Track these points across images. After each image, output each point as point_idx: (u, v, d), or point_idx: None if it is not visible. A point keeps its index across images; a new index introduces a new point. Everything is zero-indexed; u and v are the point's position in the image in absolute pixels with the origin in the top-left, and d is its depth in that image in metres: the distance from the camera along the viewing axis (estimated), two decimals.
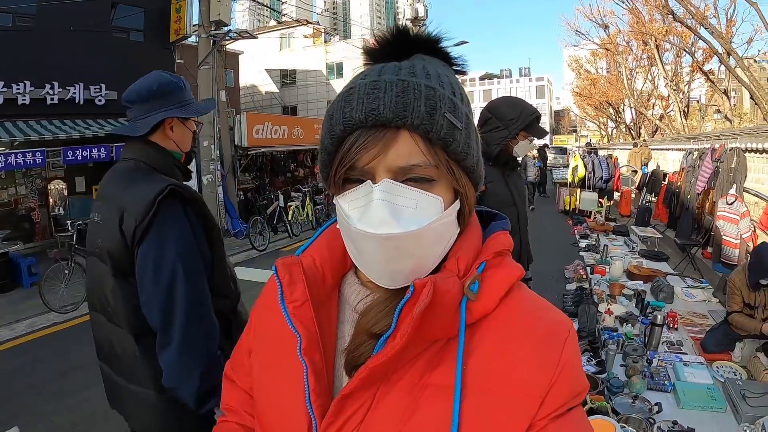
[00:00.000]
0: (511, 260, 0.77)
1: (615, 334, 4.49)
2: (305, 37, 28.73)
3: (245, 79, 25.12)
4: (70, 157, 10.16)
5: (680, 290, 5.79)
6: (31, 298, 7.90)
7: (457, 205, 0.73)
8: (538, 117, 3.20)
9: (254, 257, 10.63)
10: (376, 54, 0.78)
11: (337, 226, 0.77)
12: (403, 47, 0.77)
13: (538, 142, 3.29)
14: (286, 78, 29.51)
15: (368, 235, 0.66)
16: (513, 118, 3.11)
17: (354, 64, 29.57)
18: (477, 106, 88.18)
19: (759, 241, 5.70)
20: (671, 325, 4.74)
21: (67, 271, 7.30)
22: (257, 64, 25.83)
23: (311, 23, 24.11)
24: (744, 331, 3.98)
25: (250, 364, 0.89)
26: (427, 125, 0.65)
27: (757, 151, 6.63)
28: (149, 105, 1.91)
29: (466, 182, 0.73)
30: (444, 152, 0.68)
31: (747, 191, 6.61)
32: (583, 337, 4.51)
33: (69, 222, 11.75)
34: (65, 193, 13.09)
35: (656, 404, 3.38)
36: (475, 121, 2.27)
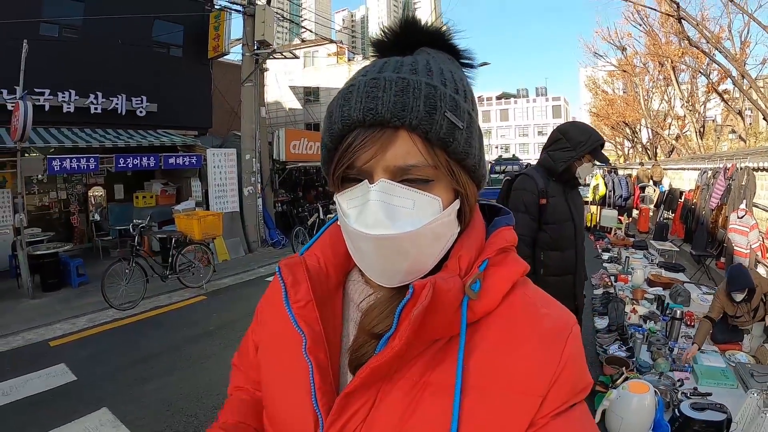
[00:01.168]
0: (515, 256, 0.78)
1: (640, 328, 5.26)
2: (329, 55, 29.60)
3: (270, 95, 25.81)
4: (122, 164, 10.89)
5: (696, 296, 6.55)
6: (81, 297, 8.60)
7: (456, 204, 0.73)
8: (602, 144, 3.48)
9: None
10: (383, 47, 0.80)
11: (339, 224, 0.78)
12: (410, 40, 0.78)
13: None
14: (310, 95, 30.10)
15: (363, 235, 0.67)
16: (582, 141, 3.39)
17: None
18: (494, 125, 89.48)
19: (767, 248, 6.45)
20: (688, 323, 5.51)
21: (128, 271, 7.87)
22: (282, 81, 26.54)
23: (335, 42, 24.90)
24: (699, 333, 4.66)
25: (258, 360, 0.90)
26: (426, 125, 0.65)
27: (766, 169, 7.38)
28: None
29: (466, 182, 0.73)
30: (444, 152, 0.68)
31: (756, 206, 7.34)
32: (613, 330, 5.28)
33: (110, 227, 12.72)
34: (105, 200, 13.93)
35: (678, 380, 4.15)
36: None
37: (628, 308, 5.83)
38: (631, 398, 3.48)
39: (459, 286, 0.69)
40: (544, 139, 3.73)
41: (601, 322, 5.64)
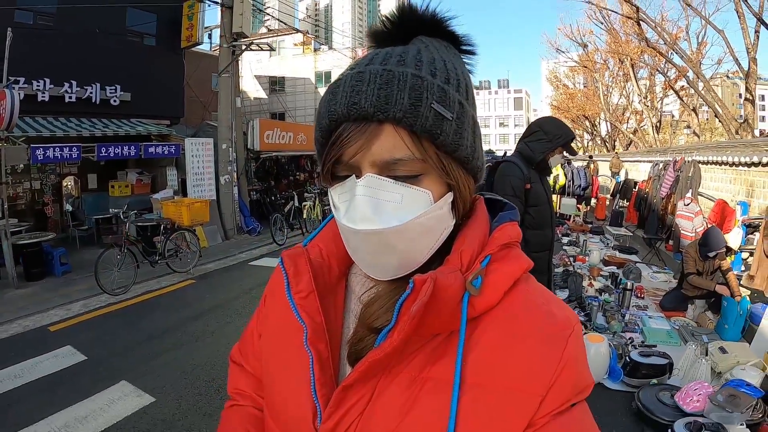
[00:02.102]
0: (518, 252, 0.77)
1: (596, 298, 6.09)
2: (295, 45, 29.91)
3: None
4: (103, 153, 11.16)
5: (647, 274, 7.47)
6: (68, 285, 8.85)
7: (449, 197, 0.73)
8: (573, 138, 3.90)
9: (275, 250, 11.79)
10: (380, 37, 0.80)
11: None
12: (408, 29, 0.77)
13: None
14: (275, 85, 30.47)
15: (351, 230, 0.69)
16: (558, 135, 3.76)
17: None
18: None
19: None
20: (639, 295, 6.40)
21: (119, 257, 8.19)
22: (247, 70, 26.63)
23: (302, 32, 25.24)
24: (698, 289, 5.59)
25: (260, 348, 0.91)
26: (411, 118, 0.65)
27: (716, 163, 8.33)
28: None
29: (459, 174, 0.73)
30: (432, 144, 0.68)
31: (701, 195, 8.31)
32: (572, 301, 6.11)
33: (86, 217, 13.00)
34: (77, 190, 14.18)
35: (629, 338, 4.98)
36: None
37: (585, 283, 6.68)
38: (589, 347, 4.29)
39: (460, 281, 0.69)
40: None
41: (561, 294, 6.44)
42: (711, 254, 5.52)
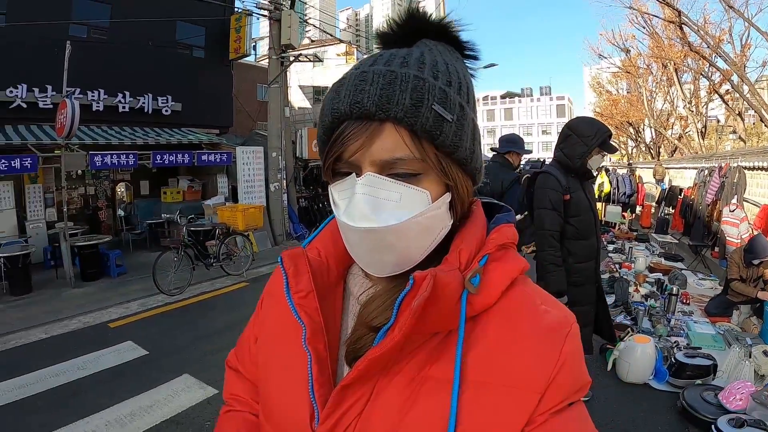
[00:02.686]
0: (515, 253, 0.79)
1: (642, 304, 6.26)
2: (338, 55, 30.48)
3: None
4: (159, 161, 11.69)
5: (692, 281, 7.57)
6: (123, 285, 9.38)
7: (447, 197, 0.74)
8: (610, 134, 3.77)
9: None
10: (387, 39, 0.81)
11: None
12: (413, 32, 0.79)
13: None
14: (320, 94, 30.69)
15: (350, 228, 0.70)
16: (590, 135, 3.67)
17: None
18: (498, 124, 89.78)
19: None
20: (684, 301, 6.53)
21: (176, 259, 8.69)
22: (293, 80, 27.06)
23: (345, 42, 25.70)
24: (742, 295, 5.71)
25: (257, 352, 0.93)
26: (412, 118, 0.66)
27: (761, 168, 8.37)
28: None
29: (458, 175, 0.74)
30: (431, 145, 0.69)
31: (746, 201, 8.36)
32: (619, 305, 6.28)
33: (139, 222, 13.62)
34: (129, 195, 14.87)
35: (675, 342, 5.15)
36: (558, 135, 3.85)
37: (631, 289, 6.84)
38: (636, 347, 4.52)
39: (459, 279, 0.70)
40: (548, 138, 4.34)
41: (608, 299, 6.62)
42: (756, 261, 5.63)
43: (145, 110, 13.97)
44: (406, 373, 0.70)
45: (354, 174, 0.71)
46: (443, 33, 0.79)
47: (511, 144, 5.38)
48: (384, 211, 0.69)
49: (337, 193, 0.75)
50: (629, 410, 4.16)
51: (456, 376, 0.66)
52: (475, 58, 0.82)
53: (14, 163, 9.75)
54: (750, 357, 4.52)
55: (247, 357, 0.99)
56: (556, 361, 0.68)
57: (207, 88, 15.28)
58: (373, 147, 0.68)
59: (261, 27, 16.91)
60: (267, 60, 15.91)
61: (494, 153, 5.47)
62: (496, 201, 0.90)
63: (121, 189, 14.94)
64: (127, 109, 13.59)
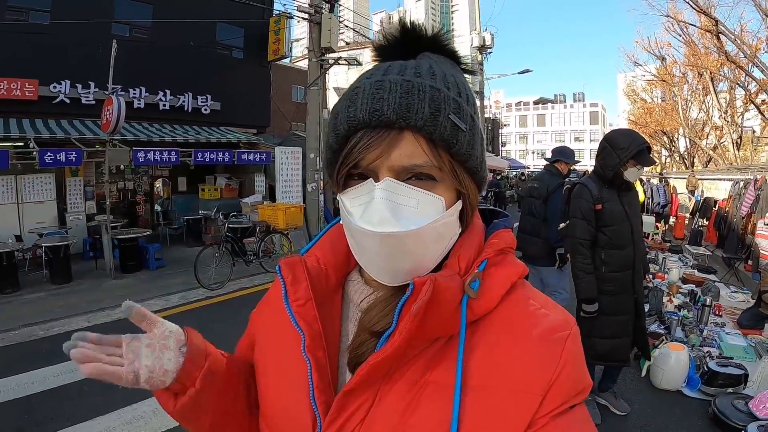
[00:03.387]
0: (513, 258, 0.80)
1: (675, 314, 6.42)
2: (372, 59, 30.78)
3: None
4: (200, 158, 12.13)
5: (725, 293, 7.68)
6: (162, 279, 9.75)
7: (459, 205, 0.76)
8: (647, 147, 3.83)
9: None
10: (385, 52, 0.83)
11: (342, 223, 0.82)
12: (411, 45, 0.81)
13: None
14: None
15: (368, 233, 0.70)
16: (624, 147, 3.75)
17: None
18: (531, 130, 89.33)
19: None
20: (717, 312, 6.67)
21: (217, 255, 9.04)
22: (329, 82, 27.40)
23: (364, 37, 25.92)
24: None
25: (255, 359, 0.93)
26: (431, 126, 0.68)
27: None
28: None
29: (469, 183, 0.76)
30: (447, 153, 0.71)
31: None
32: (652, 315, 6.45)
33: (177, 217, 14.03)
34: (167, 191, 15.35)
35: (707, 351, 5.32)
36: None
37: (665, 299, 7.00)
38: (670, 354, 4.71)
39: (459, 284, 0.72)
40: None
41: None
42: None
43: (185, 109, 14.46)
44: (408, 378, 0.71)
45: (371, 179, 0.71)
46: (440, 46, 0.82)
47: (560, 154, 5.83)
48: (403, 216, 0.69)
49: (350, 200, 0.75)
50: (662, 416, 4.35)
51: (457, 381, 0.67)
52: (472, 72, 0.87)
53: (60, 156, 10.14)
54: None
55: (239, 357, 0.99)
56: (556, 364, 0.69)
57: (245, 88, 15.69)
58: (392, 154, 0.69)
59: (296, 29, 17.26)
60: (303, 61, 16.20)
61: (546, 162, 5.92)
62: (492, 207, 0.92)
63: (158, 185, 15.39)
64: (167, 107, 14.08)
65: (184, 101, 14.38)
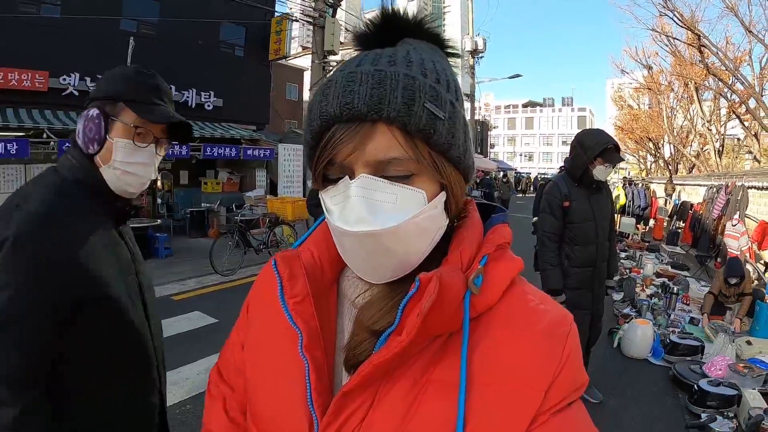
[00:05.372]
0: (511, 253, 0.79)
1: (647, 300, 7.39)
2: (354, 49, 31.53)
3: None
4: (208, 153, 12.85)
5: (695, 287, 8.66)
6: (172, 266, 10.31)
7: (442, 197, 0.73)
8: (613, 145, 3.92)
9: None
10: (366, 40, 0.80)
11: None
12: (393, 32, 0.78)
13: None
14: None
15: (346, 233, 0.68)
16: (591, 146, 3.86)
17: None
18: (519, 132, 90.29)
19: (753, 251, 8.58)
20: (685, 302, 7.66)
21: (230, 243, 9.92)
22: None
23: None
24: (730, 297, 6.81)
25: (243, 360, 0.90)
26: (405, 117, 0.65)
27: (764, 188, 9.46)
28: None
29: (452, 173, 0.74)
30: (425, 144, 0.68)
31: (747, 217, 9.47)
32: (625, 301, 7.44)
33: (181, 209, 14.71)
34: (168, 185, 15.97)
35: (672, 330, 6.28)
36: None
37: (638, 288, 8.01)
38: (637, 328, 5.68)
39: (462, 280, 0.71)
40: (568, 149, 4.22)
41: (617, 296, 7.84)
42: (732, 281, 6.68)
43: (189, 104, 15.12)
44: (409, 377, 0.70)
45: (346, 177, 0.70)
46: (422, 31, 0.79)
47: None
48: (381, 213, 0.68)
49: (329, 198, 0.73)
50: (631, 378, 5.29)
51: (462, 378, 0.67)
52: (457, 55, 0.82)
53: None
54: (733, 343, 5.65)
55: (232, 366, 0.96)
56: (559, 359, 0.69)
57: (246, 86, 16.50)
58: (366, 148, 0.67)
59: (293, 30, 18.02)
60: (296, 60, 16.93)
61: (561, 167, 6.22)
62: (488, 202, 0.89)
63: (160, 177, 16.00)
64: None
65: (188, 97, 15.07)
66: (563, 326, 0.73)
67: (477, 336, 0.71)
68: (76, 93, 13.03)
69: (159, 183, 15.81)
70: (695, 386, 4.61)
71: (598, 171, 3.96)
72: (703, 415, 4.27)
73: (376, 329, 0.72)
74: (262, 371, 0.83)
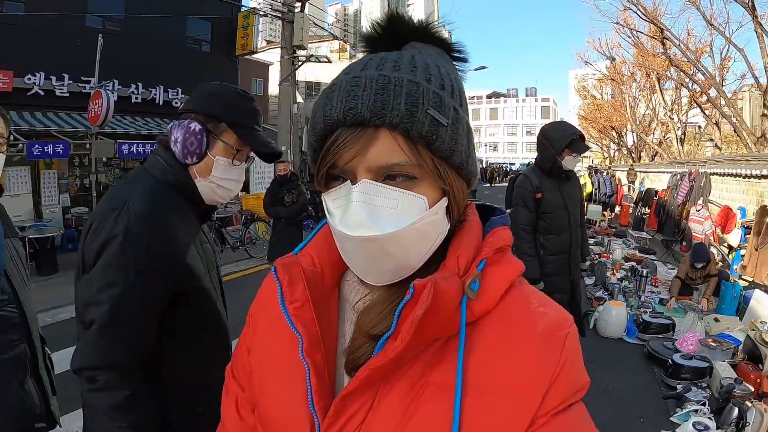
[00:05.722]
0: (511, 256, 0.80)
1: (618, 284, 7.69)
2: (331, 52, 31.62)
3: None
4: None
5: (662, 270, 9.01)
6: None
7: (444, 203, 0.74)
8: (579, 136, 4.06)
9: None
10: (373, 42, 0.81)
11: None
12: (399, 35, 0.79)
13: None
14: (311, 90, 31.97)
15: (347, 237, 0.69)
16: (557, 138, 3.98)
17: None
18: (483, 123, 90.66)
19: (717, 235, 8.96)
20: (654, 284, 7.98)
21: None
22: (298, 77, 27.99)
23: (338, 38, 26.65)
24: (696, 279, 7.15)
25: (250, 363, 0.91)
26: (407, 123, 0.66)
27: (730, 175, 9.77)
28: None
29: (454, 179, 0.74)
30: (427, 150, 0.69)
31: (711, 202, 9.88)
32: (597, 285, 7.72)
33: None
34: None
35: (643, 310, 6.57)
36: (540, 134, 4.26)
37: (608, 273, 8.31)
38: (611, 309, 5.94)
39: (458, 285, 0.71)
40: (533, 139, 4.23)
41: (589, 280, 8.15)
42: (698, 265, 7.01)
43: (157, 101, 15.12)
44: (407, 380, 0.70)
45: (349, 182, 0.70)
46: (429, 35, 0.80)
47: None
48: (381, 219, 0.68)
49: (332, 201, 0.74)
50: (608, 356, 5.55)
51: (458, 382, 0.67)
52: (464, 60, 0.83)
53: (47, 148, 10.50)
54: (702, 320, 5.95)
55: (241, 367, 0.96)
56: (556, 363, 0.69)
57: (214, 81, 16.06)
58: (368, 153, 0.67)
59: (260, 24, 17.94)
60: (261, 54, 16.87)
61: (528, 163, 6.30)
62: (489, 204, 0.89)
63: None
64: (139, 100, 14.69)
65: (155, 94, 15.02)
66: (562, 329, 0.72)
67: (474, 340, 0.71)
68: (42, 93, 12.95)
69: None
70: (669, 361, 4.89)
71: (567, 161, 4.11)
72: (679, 387, 4.54)
73: (374, 333, 0.73)
74: (266, 375, 0.85)
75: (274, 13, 13.84)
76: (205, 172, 1.59)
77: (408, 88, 0.66)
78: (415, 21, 0.80)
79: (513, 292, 0.75)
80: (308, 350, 0.74)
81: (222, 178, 1.60)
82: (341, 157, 0.68)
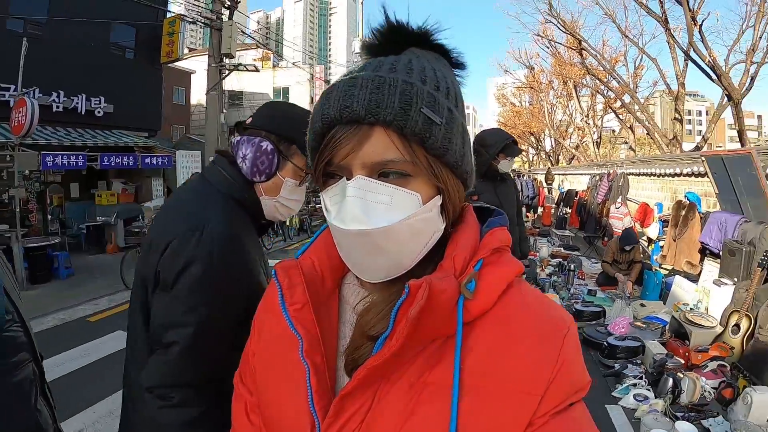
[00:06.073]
0: (509, 256, 0.79)
1: (547, 279, 8.14)
2: (254, 60, 31.30)
3: (194, 98, 27.57)
4: (106, 163, 12.32)
5: (586, 264, 9.59)
6: (78, 286, 9.58)
7: (438, 200, 0.75)
8: (512, 141, 4.24)
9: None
10: (373, 49, 0.83)
11: None
12: (399, 41, 0.81)
13: None
14: (234, 99, 31.55)
15: (341, 231, 0.72)
16: (491, 144, 4.10)
17: (301, 89, 31.76)
18: None
19: (636, 229, 9.59)
20: (580, 277, 8.49)
21: (140, 256, 9.38)
22: (205, 84, 27.39)
23: (263, 46, 26.40)
24: (608, 273, 7.75)
25: (254, 366, 0.93)
26: (401, 121, 0.68)
27: (645, 174, 10.49)
28: None
29: (448, 178, 0.75)
30: (421, 148, 0.70)
31: (629, 200, 10.64)
32: (529, 281, 8.11)
33: (75, 224, 13.89)
34: (61, 198, 15.08)
35: (574, 302, 6.98)
36: None
37: (538, 269, 8.76)
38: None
39: (454, 285, 0.71)
40: None
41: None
42: (627, 248, 7.72)
43: (79, 110, 14.37)
44: (406, 380, 0.71)
45: (344, 178, 0.73)
46: (428, 41, 0.82)
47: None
48: (375, 214, 0.70)
49: (329, 198, 0.76)
50: None
51: (455, 382, 0.67)
52: (462, 66, 0.85)
53: None
54: (629, 306, 6.42)
55: (249, 373, 0.96)
56: (554, 363, 0.69)
57: (138, 90, 15.87)
58: (363, 150, 0.69)
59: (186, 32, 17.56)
60: (182, 62, 16.50)
61: None
62: (487, 205, 0.91)
63: (54, 190, 15.01)
64: (61, 109, 13.88)
65: (77, 103, 14.31)
66: (560, 329, 0.72)
67: (472, 340, 0.71)
68: None
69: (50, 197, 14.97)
70: (605, 343, 5.28)
71: (503, 165, 4.23)
72: (616, 365, 4.93)
73: (372, 334, 0.74)
74: (269, 376, 0.86)
75: (202, 20, 13.63)
76: (273, 191, 1.62)
77: (402, 88, 0.69)
78: (413, 28, 0.81)
79: (511, 292, 0.75)
80: (308, 351, 0.76)
81: (288, 198, 1.64)
82: (337, 153, 0.71)
